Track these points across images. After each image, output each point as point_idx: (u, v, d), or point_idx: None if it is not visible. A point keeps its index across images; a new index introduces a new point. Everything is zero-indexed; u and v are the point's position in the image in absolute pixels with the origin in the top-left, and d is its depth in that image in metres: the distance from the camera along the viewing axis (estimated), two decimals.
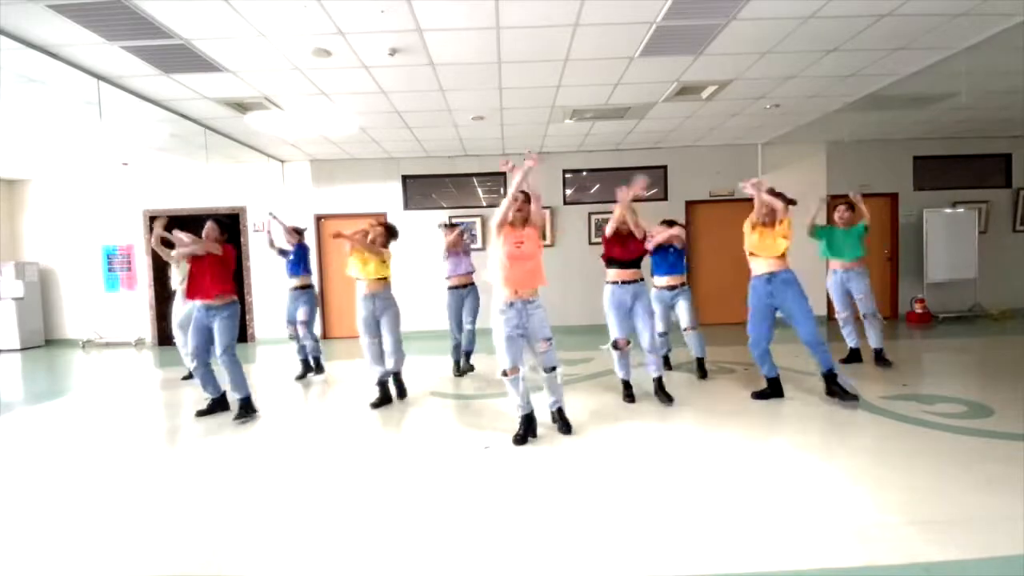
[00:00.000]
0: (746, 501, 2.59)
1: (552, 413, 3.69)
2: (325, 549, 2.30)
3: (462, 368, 5.54)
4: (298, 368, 5.73)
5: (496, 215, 3.43)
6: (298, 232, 5.87)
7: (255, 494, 2.90)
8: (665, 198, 8.44)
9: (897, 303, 8.55)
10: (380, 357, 4.56)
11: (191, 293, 4.26)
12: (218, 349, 4.21)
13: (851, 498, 2.57)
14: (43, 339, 8.71)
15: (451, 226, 5.73)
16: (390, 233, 4.67)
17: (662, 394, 4.24)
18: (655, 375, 4.28)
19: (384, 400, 4.52)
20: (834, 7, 3.83)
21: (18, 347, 8.29)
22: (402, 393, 4.70)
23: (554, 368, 3.57)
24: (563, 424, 3.63)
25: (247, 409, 4.25)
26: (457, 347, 5.53)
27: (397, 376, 4.69)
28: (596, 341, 6.87)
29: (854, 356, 5.36)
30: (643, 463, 3.12)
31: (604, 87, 5.45)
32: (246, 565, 2.21)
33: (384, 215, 8.50)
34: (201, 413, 4.35)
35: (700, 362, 5.09)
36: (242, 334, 6.84)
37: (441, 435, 3.75)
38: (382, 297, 4.51)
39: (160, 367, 6.84)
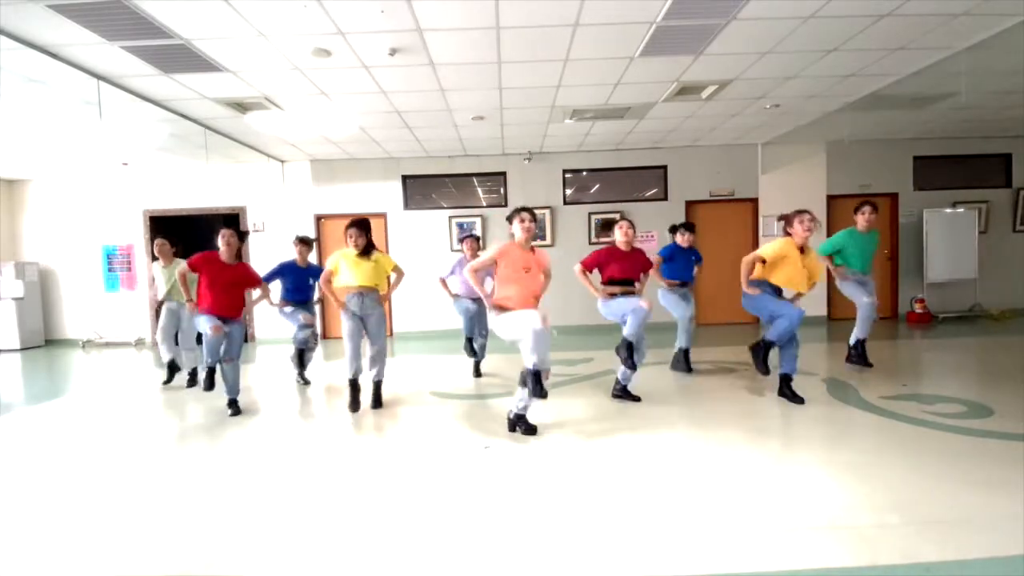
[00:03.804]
0: (746, 500, 2.58)
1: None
2: (325, 549, 2.30)
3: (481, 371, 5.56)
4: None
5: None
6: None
7: (255, 494, 2.90)
8: (665, 198, 8.43)
9: (897, 303, 8.54)
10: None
11: (226, 312, 4.28)
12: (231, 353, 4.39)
13: (852, 498, 2.56)
14: (43, 339, 8.72)
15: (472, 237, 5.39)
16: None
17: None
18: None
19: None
20: (834, 7, 3.83)
21: (18, 347, 8.29)
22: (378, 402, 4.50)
23: None
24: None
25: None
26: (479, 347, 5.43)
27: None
28: (595, 341, 6.91)
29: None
30: (644, 462, 3.12)
31: (604, 87, 5.45)
32: (246, 565, 2.21)
33: (384, 215, 8.53)
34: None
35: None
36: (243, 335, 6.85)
37: (441, 435, 3.75)
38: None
39: (160, 367, 6.80)
